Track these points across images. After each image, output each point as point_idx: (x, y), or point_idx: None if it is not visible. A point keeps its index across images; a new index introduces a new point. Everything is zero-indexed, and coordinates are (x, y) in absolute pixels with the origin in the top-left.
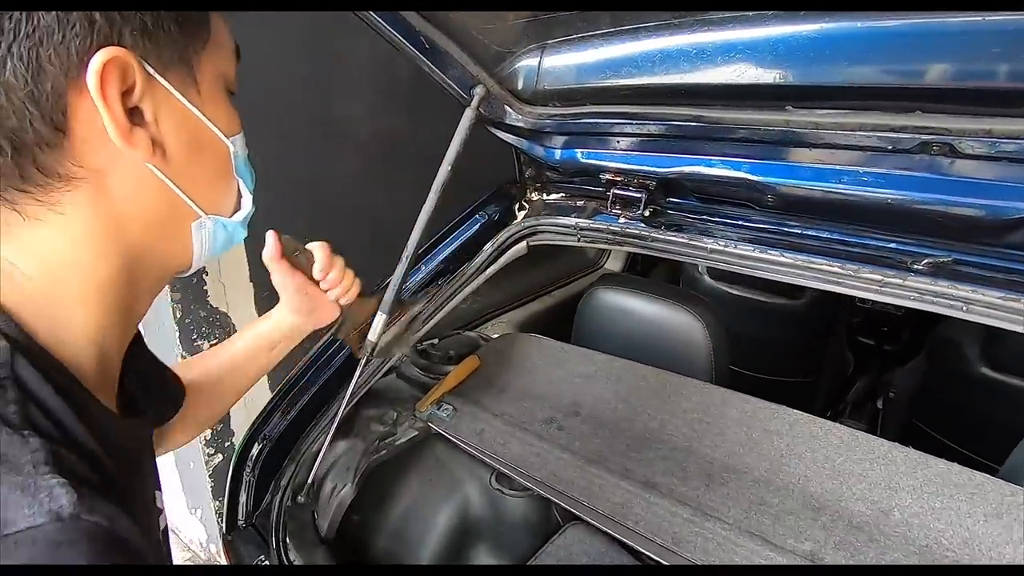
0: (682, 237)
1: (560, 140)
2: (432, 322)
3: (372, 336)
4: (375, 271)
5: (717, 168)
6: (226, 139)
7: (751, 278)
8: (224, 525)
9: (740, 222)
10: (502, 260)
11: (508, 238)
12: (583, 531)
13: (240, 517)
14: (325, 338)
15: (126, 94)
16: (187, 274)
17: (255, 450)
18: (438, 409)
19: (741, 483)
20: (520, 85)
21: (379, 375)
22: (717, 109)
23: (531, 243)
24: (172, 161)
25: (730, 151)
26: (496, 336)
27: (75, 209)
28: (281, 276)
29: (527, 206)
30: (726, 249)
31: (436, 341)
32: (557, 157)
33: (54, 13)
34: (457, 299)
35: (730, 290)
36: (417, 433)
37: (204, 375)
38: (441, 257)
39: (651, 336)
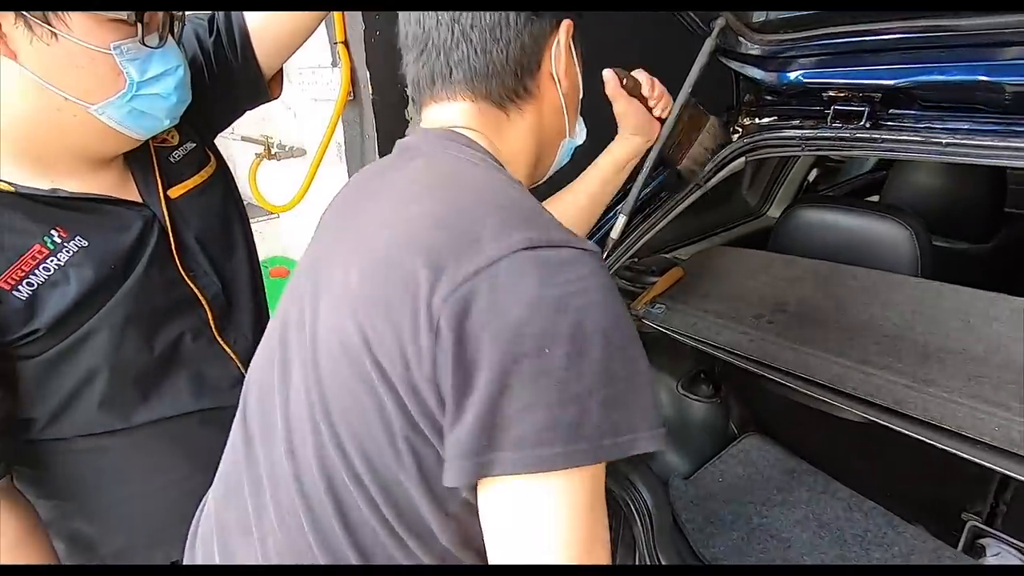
0: (915, 136)
1: (788, 63)
2: (658, 227)
3: (614, 234)
4: None
5: (952, 75)
6: (581, 87)
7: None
8: None
9: (966, 124)
10: (721, 174)
11: (729, 154)
12: (759, 440)
13: None
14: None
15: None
16: (539, 183)
17: None
18: (652, 308)
19: (957, 361)
20: (753, 15)
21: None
22: (951, 17)
23: (749, 158)
24: (567, 95)
25: (967, 57)
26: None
27: (528, 114)
28: (624, 103)
29: (739, 130)
30: (963, 141)
31: (636, 260)
32: (784, 79)
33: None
34: (678, 210)
35: None
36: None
37: (569, 207)
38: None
39: (854, 248)
